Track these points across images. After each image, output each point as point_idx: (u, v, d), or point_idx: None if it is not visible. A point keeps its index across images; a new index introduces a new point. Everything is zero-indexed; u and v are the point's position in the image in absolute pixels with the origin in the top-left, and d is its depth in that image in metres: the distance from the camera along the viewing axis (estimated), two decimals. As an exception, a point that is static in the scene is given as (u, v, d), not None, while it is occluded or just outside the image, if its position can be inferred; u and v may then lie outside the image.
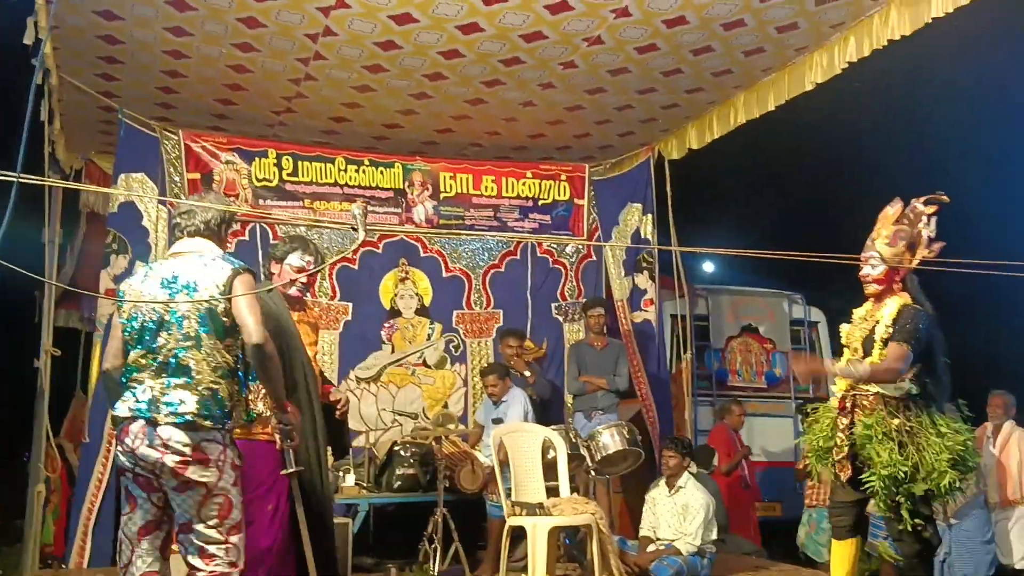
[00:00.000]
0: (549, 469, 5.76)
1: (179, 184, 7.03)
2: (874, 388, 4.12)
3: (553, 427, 6.12)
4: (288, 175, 7.32)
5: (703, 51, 6.10)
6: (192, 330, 3.23)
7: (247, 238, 7.22)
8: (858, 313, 4.39)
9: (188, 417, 3.15)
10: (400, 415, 7.25)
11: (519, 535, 5.50)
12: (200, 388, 3.20)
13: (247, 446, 3.63)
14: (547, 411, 7.14)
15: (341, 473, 6.46)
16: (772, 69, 6.40)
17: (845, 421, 4.21)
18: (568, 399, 7.58)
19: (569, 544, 6.24)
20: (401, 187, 7.61)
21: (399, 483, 6.46)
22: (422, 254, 7.72)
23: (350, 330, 7.46)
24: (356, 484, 6.47)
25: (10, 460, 7.99)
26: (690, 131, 7.37)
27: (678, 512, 5.98)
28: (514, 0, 5.39)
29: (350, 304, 7.50)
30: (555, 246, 8.00)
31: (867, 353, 4.18)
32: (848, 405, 4.23)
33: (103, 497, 6.38)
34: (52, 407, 6.57)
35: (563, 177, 7.99)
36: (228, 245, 4.34)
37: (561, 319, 7.98)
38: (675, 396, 8.05)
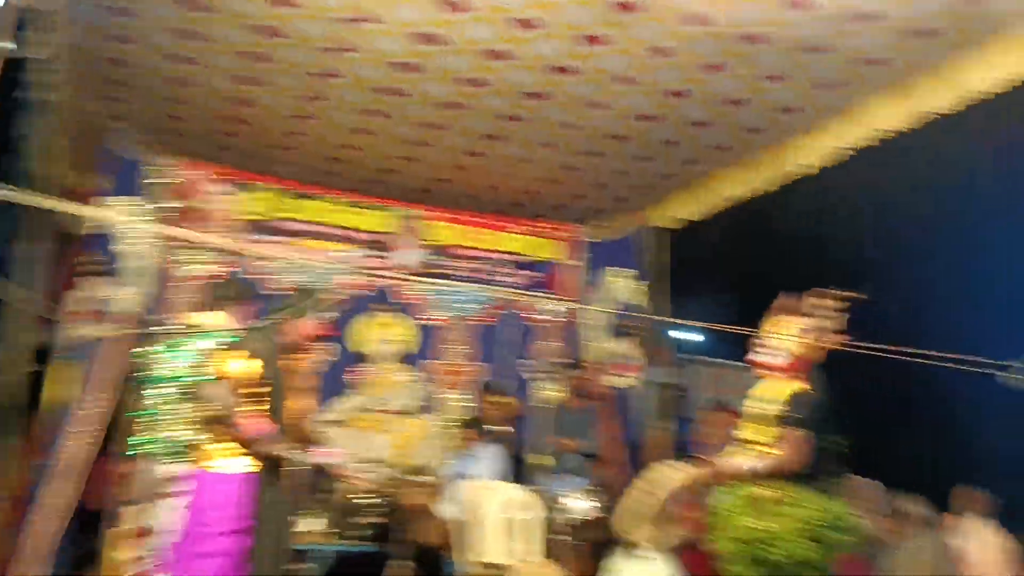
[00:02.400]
0: (517, 529, 5.67)
1: (167, 211, 6.95)
2: (750, 462, 4.18)
3: (523, 487, 6.04)
4: (279, 211, 7.28)
5: (702, 124, 6.17)
6: None
7: (232, 269, 7.13)
8: (754, 391, 4.44)
9: None
10: (367, 462, 7.12)
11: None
12: None
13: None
14: (517, 470, 7.05)
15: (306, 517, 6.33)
16: (769, 147, 6.46)
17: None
18: (536, 459, 7.50)
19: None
20: (391, 232, 7.59)
21: (361, 531, 6.33)
22: (404, 301, 7.67)
23: (328, 373, 7.36)
24: (321, 530, 6.33)
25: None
26: (686, 202, 7.41)
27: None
28: (520, 59, 5.42)
29: (328, 347, 7.39)
30: (540, 304, 7.97)
31: (756, 427, 4.27)
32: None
33: (54, 520, 6.20)
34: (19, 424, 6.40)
35: (555, 236, 8.01)
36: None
37: (538, 378, 7.93)
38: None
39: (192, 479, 3.99)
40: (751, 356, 4.46)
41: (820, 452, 4.16)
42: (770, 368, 4.38)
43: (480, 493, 5.79)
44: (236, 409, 3.93)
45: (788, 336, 4.35)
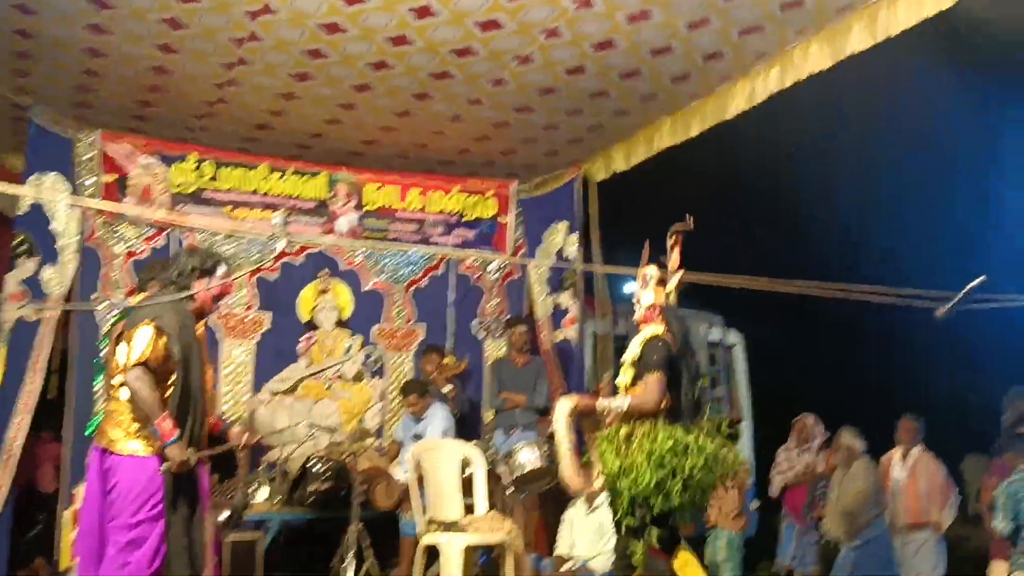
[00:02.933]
0: (467, 486, 5.73)
1: (92, 186, 6.81)
2: (617, 403, 4.47)
3: (472, 443, 6.10)
4: (208, 181, 7.16)
5: (630, 75, 6.18)
6: None
7: (163, 243, 7.01)
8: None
9: None
10: (315, 429, 7.12)
11: (435, 553, 5.45)
12: None
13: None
14: (466, 428, 7.10)
15: (253, 487, 6.33)
16: (697, 96, 6.50)
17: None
18: (487, 416, 7.56)
19: (484, 562, 6.21)
20: (324, 198, 7.51)
21: (312, 499, 6.34)
22: (343, 266, 7.62)
23: (267, 341, 7.31)
24: (268, 499, 6.33)
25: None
26: (616, 152, 7.44)
27: (595, 530, 6.01)
28: (446, 15, 5.37)
29: (268, 314, 7.35)
30: (478, 262, 7.98)
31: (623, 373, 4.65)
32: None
33: (4, 507, 6.13)
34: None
35: (489, 193, 7.99)
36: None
37: (482, 336, 7.96)
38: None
39: (109, 462, 3.88)
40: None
41: (677, 392, 4.53)
42: (636, 322, 4.71)
43: (430, 453, 5.83)
44: (155, 404, 3.79)
45: (640, 288, 4.70)
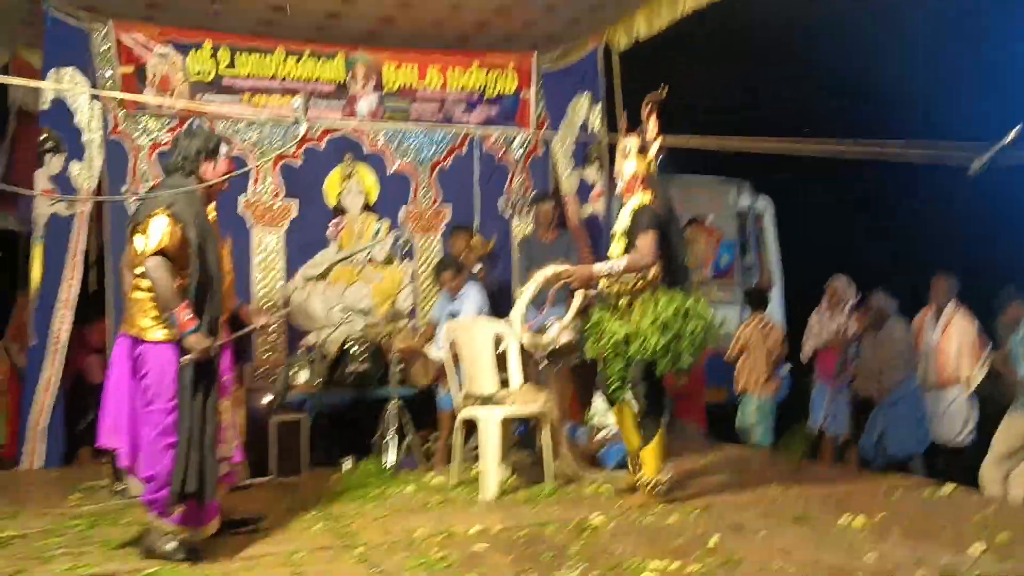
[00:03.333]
0: (501, 362, 5.83)
1: (111, 79, 6.77)
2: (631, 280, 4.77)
3: (504, 320, 6.17)
4: (226, 68, 7.08)
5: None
6: None
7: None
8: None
9: None
10: (350, 312, 7.24)
11: (473, 426, 5.60)
12: None
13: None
14: (497, 306, 7.18)
15: (294, 371, 6.49)
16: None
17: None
18: (517, 294, 7.61)
19: (521, 433, 6.38)
20: (343, 80, 7.42)
21: (351, 379, 6.51)
22: (367, 149, 7.58)
23: (296, 228, 7.35)
24: (308, 381, 6.50)
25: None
26: (639, 19, 7.23)
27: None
28: None
29: (295, 202, 7.38)
30: (503, 139, 7.91)
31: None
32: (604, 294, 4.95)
33: (54, 399, 6.36)
34: (-2, 309, 6.49)
35: (510, 67, 7.85)
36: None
37: (509, 214, 7.96)
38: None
39: (139, 350, 3.94)
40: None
41: (669, 258, 4.80)
42: (621, 193, 4.98)
43: (463, 330, 5.92)
44: (173, 293, 3.81)
45: (620, 159, 4.95)
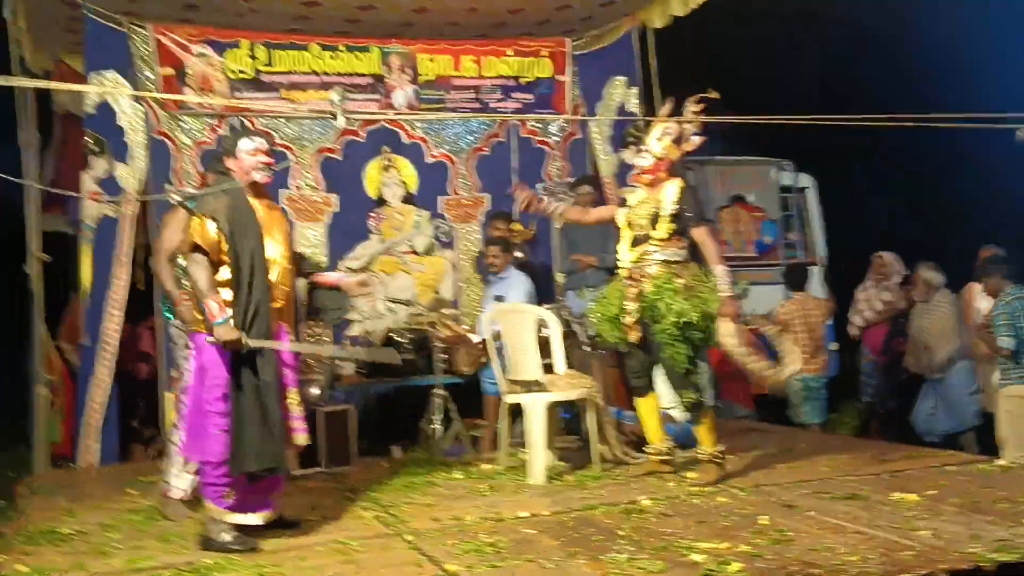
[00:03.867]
0: (544, 347, 5.84)
1: (152, 81, 6.88)
2: (660, 256, 4.88)
3: (546, 306, 6.18)
4: (263, 66, 7.16)
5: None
6: None
7: (226, 133, 7.10)
8: (635, 199, 5.07)
9: None
10: (393, 303, 7.28)
11: (518, 412, 5.62)
12: None
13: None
14: (539, 291, 7.18)
15: (340, 362, 6.56)
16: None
17: (634, 290, 4.90)
18: (559, 278, 7.62)
19: (567, 418, 6.39)
20: (379, 72, 7.46)
21: (397, 368, 6.55)
22: (405, 140, 7.62)
23: (337, 221, 7.42)
24: (355, 372, 6.56)
25: (10, 364, 8.10)
26: (673, -4, 7.16)
27: (672, 381, 6.11)
28: None
29: (335, 195, 7.44)
30: (540, 125, 7.89)
31: (653, 227, 4.89)
32: (637, 276, 4.92)
33: (108, 397, 6.49)
34: (48, 311, 6.62)
35: (544, 53, 7.83)
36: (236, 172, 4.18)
37: (548, 199, 7.93)
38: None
39: (195, 343, 4.08)
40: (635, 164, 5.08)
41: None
42: (641, 171, 5.01)
43: (506, 316, 5.93)
44: (204, 285, 3.92)
45: (653, 139, 4.97)
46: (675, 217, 4.87)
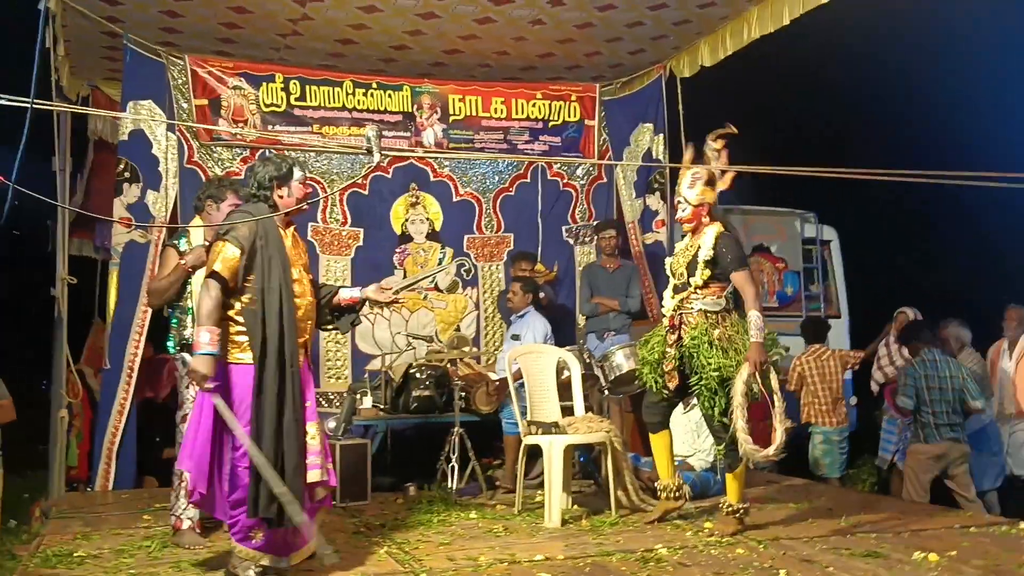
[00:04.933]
0: (564, 389, 5.83)
1: (187, 110, 7.00)
2: (698, 305, 4.83)
3: (567, 348, 6.18)
4: (296, 100, 7.27)
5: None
6: None
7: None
8: (680, 246, 5.08)
9: None
10: (414, 339, 7.30)
11: (535, 453, 5.59)
12: None
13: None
14: (560, 333, 7.18)
15: (359, 396, 6.56)
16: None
17: (673, 337, 4.89)
18: (580, 321, 7.63)
19: (584, 461, 6.35)
20: (410, 110, 7.56)
21: (415, 405, 6.55)
22: (432, 178, 7.69)
23: (361, 256, 7.48)
24: (373, 406, 6.56)
25: (31, 387, 8.16)
26: (702, 48, 7.24)
27: (692, 429, 6.07)
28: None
29: (361, 230, 7.50)
30: (566, 168, 7.95)
31: (691, 275, 4.86)
32: (676, 323, 4.90)
33: (126, 422, 6.51)
34: (70, 334, 6.66)
35: (573, 97, 7.91)
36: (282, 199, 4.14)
37: (572, 242, 7.98)
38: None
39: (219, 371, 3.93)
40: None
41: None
42: (682, 221, 5.00)
43: (527, 357, 5.93)
44: (207, 313, 3.81)
45: (685, 187, 4.95)
46: (712, 263, 4.81)
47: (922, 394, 6.12)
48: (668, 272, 5.06)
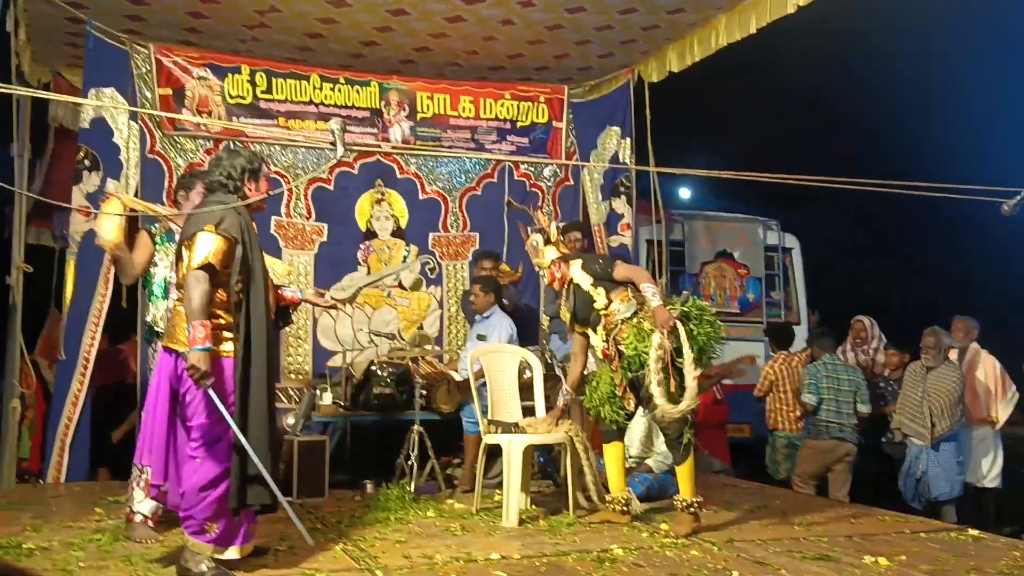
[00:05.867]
0: (526, 389, 5.84)
1: (150, 100, 6.90)
2: (617, 319, 5.03)
3: (530, 348, 6.19)
4: (262, 92, 7.20)
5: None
6: None
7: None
8: (561, 300, 5.36)
9: None
10: (376, 336, 7.27)
11: (495, 453, 5.59)
12: None
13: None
14: (524, 333, 7.18)
15: (318, 392, 6.52)
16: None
17: (615, 362, 5.06)
18: (544, 322, 7.64)
19: (544, 461, 6.36)
20: (377, 107, 7.52)
21: (376, 402, 6.52)
22: (398, 175, 7.66)
23: (325, 251, 7.43)
24: (333, 403, 6.52)
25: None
26: (670, 53, 7.30)
27: (645, 432, 6.11)
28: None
29: (325, 225, 7.45)
30: (532, 169, 7.96)
31: (592, 306, 5.11)
32: (611, 351, 5.07)
33: (80, 414, 6.41)
34: (26, 324, 6.55)
35: (541, 99, 7.92)
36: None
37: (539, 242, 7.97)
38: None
39: (180, 363, 3.91)
40: None
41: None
42: (552, 284, 5.37)
43: (490, 356, 5.93)
44: (201, 308, 3.77)
45: (536, 260, 5.49)
46: (596, 281, 5.10)
47: (821, 393, 6.73)
48: (569, 326, 5.40)
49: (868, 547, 4.60)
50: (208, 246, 3.83)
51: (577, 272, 5.18)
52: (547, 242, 5.35)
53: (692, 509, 4.93)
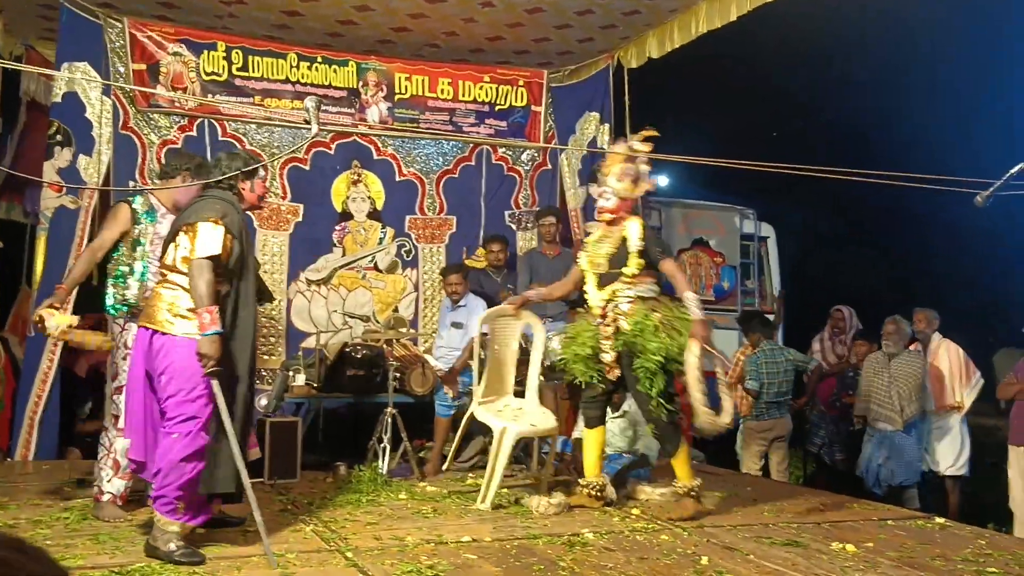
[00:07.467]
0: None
1: (124, 75, 6.81)
2: (633, 293, 4.95)
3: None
4: (238, 70, 7.13)
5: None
6: None
7: (195, 134, 7.05)
8: (593, 238, 5.21)
9: None
10: (351, 318, 7.24)
11: (469, 436, 5.57)
12: None
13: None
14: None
15: (291, 373, 6.48)
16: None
17: (609, 329, 4.96)
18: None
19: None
20: (355, 86, 7.46)
21: (349, 384, 6.49)
22: (375, 156, 7.61)
23: (300, 232, 7.38)
24: (306, 384, 6.49)
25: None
26: (651, 39, 7.29)
27: (625, 419, 6.12)
28: None
29: (301, 205, 7.40)
30: (510, 153, 7.93)
31: (616, 266, 4.99)
32: (609, 314, 4.97)
33: (49, 391, 6.34)
34: (-5, 300, 6.47)
35: (521, 83, 7.89)
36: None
37: (515, 227, 7.97)
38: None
39: (159, 344, 3.96)
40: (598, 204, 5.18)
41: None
42: (604, 211, 5.13)
43: (501, 321, 5.86)
44: (209, 295, 3.86)
45: (614, 180, 5.08)
46: (642, 253, 4.96)
47: (761, 378, 7.01)
48: (585, 265, 5.16)
49: (836, 534, 4.65)
50: (217, 238, 3.95)
51: (635, 232, 4.98)
52: (636, 181, 5.08)
53: (693, 493, 4.97)
